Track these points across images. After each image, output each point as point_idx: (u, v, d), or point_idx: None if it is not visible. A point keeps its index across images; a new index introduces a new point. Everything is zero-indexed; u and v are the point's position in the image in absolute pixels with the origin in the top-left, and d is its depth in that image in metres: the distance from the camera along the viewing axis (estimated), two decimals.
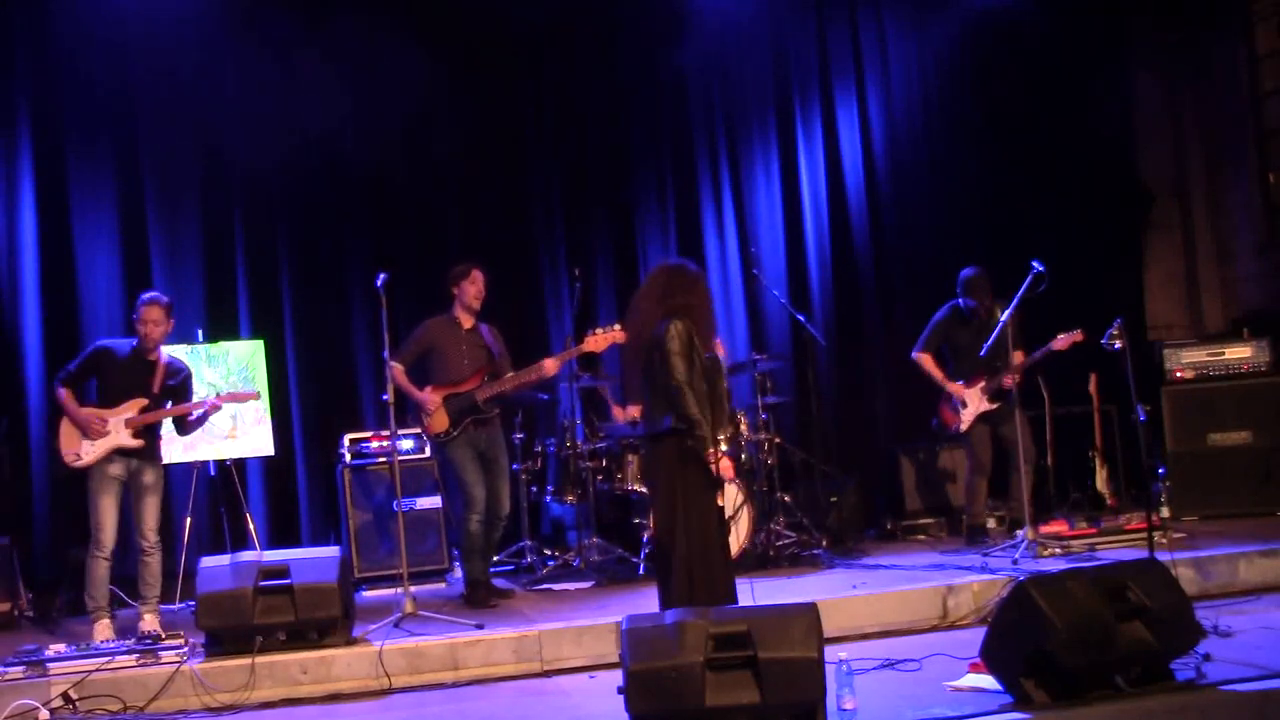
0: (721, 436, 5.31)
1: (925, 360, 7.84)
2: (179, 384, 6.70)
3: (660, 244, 9.37)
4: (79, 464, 6.41)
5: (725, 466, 5.24)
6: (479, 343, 7.19)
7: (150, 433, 6.57)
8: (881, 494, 9.11)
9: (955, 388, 7.68)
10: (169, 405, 6.62)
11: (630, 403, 7.84)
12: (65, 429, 6.48)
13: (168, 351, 6.73)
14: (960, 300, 7.78)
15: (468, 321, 7.18)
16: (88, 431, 6.40)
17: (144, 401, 6.50)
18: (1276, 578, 6.66)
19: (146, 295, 6.68)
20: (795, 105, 9.66)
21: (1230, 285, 10.15)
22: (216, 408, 6.73)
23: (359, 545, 7.85)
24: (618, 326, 7.07)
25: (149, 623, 6.46)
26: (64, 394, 6.50)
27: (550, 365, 7.10)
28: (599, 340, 6.98)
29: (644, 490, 7.59)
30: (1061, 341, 7.42)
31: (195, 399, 6.76)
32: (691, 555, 5.21)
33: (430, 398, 6.99)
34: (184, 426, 6.77)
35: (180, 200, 8.51)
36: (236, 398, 6.92)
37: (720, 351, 7.76)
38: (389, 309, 6.57)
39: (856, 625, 6.22)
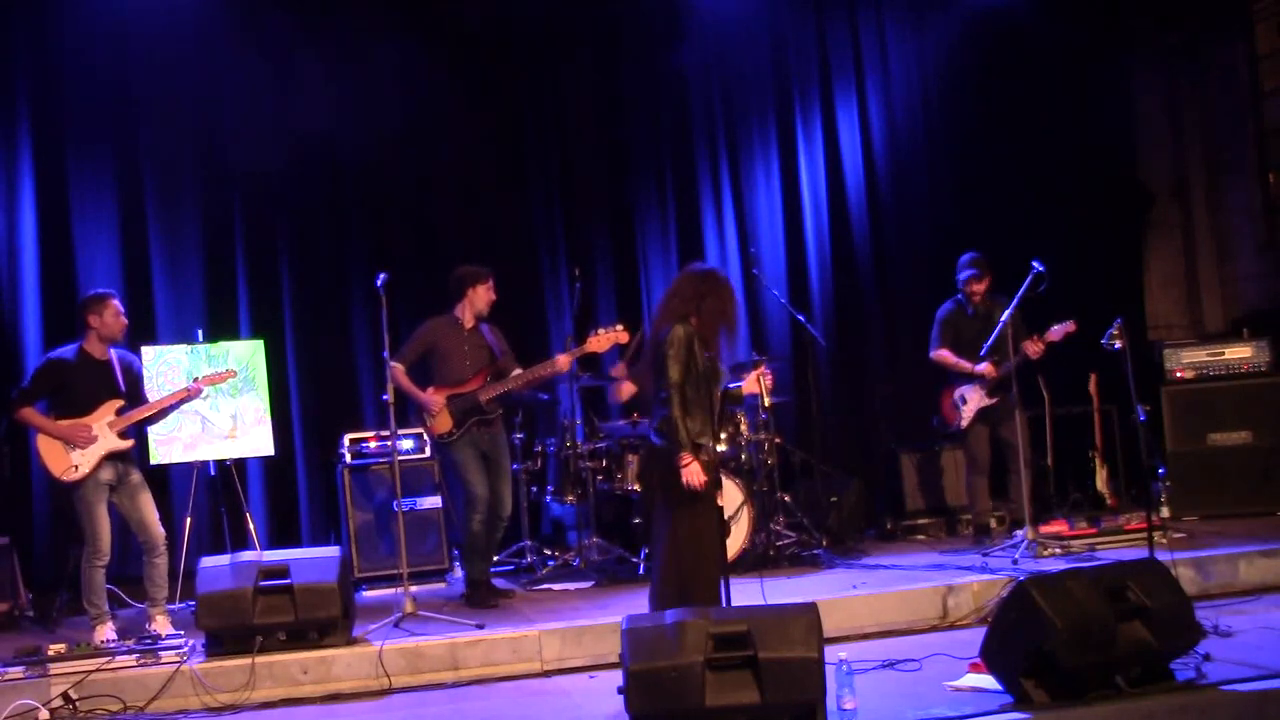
0: (704, 443, 5.24)
1: (944, 356, 7.84)
2: (137, 376, 6.64)
3: (660, 244, 9.37)
4: (78, 476, 6.27)
5: (691, 473, 5.11)
6: (481, 343, 7.19)
7: (135, 431, 6.53)
8: (881, 494, 9.11)
9: (984, 367, 7.64)
10: (145, 400, 6.56)
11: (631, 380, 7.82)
12: (47, 447, 6.30)
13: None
14: (959, 282, 7.77)
15: (469, 321, 7.17)
16: (75, 442, 6.28)
17: (119, 402, 6.41)
18: (1276, 578, 6.66)
19: (101, 290, 6.61)
20: (795, 105, 9.65)
21: (1230, 285, 10.15)
22: (199, 391, 6.66)
23: (359, 545, 7.85)
24: (620, 326, 7.08)
25: (160, 624, 6.42)
26: (31, 413, 6.33)
27: (563, 361, 7.09)
28: (602, 340, 7.00)
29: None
30: (1055, 333, 7.41)
31: (173, 387, 6.72)
32: (682, 560, 5.18)
33: (433, 399, 6.98)
34: (156, 417, 6.70)
35: (180, 200, 8.50)
36: (214, 379, 6.78)
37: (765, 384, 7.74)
38: (389, 309, 6.58)
39: (856, 625, 6.22)
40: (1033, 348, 7.39)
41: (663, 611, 4.65)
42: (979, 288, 7.71)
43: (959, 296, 7.84)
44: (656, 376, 5.30)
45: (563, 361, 7.09)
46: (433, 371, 7.12)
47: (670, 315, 5.35)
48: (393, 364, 6.87)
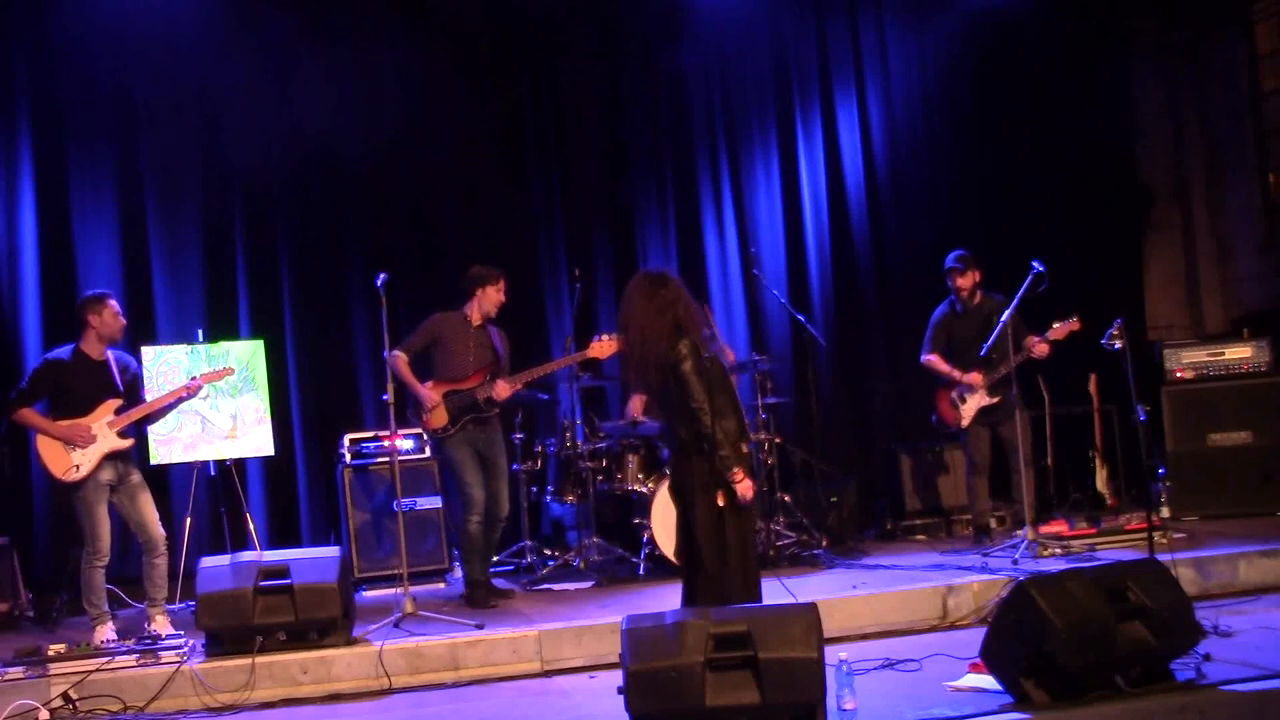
0: (746, 448, 5.21)
1: (935, 361, 7.82)
2: (135, 378, 6.65)
3: (660, 244, 9.37)
4: (78, 476, 6.27)
5: (747, 488, 5.11)
6: (486, 342, 7.19)
7: (135, 431, 6.54)
8: (881, 494, 9.12)
9: (971, 377, 7.62)
10: (143, 399, 6.57)
11: (635, 393, 7.84)
12: (47, 448, 6.30)
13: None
14: (949, 289, 7.78)
15: (477, 320, 7.18)
16: (74, 442, 6.28)
17: (117, 401, 6.42)
18: (1276, 578, 6.66)
19: (100, 290, 6.62)
20: (795, 105, 9.65)
21: (1230, 285, 10.15)
22: (197, 389, 6.67)
23: (359, 545, 7.84)
24: None
25: (160, 625, 6.43)
26: (29, 414, 6.33)
27: (502, 389, 7.01)
28: (604, 347, 6.98)
29: (644, 490, 7.60)
30: (1058, 330, 7.39)
31: (172, 387, 6.73)
32: (727, 574, 5.13)
33: (431, 394, 6.98)
34: (155, 416, 6.72)
35: (180, 200, 8.51)
36: (212, 377, 6.79)
37: (730, 358, 7.85)
38: (389, 309, 6.58)
39: (856, 625, 6.22)
40: (1039, 347, 7.37)
41: (662, 612, 4.65)
42: (963, 282, 7.68)
43: (951, 298, 7.84)
44: (674, 396, 5.17)
45: (502, 389, 7.01)
46: (434, 364, 7.12)
47: (660, 331, 5.17)
48: (395, 352, 6.89)
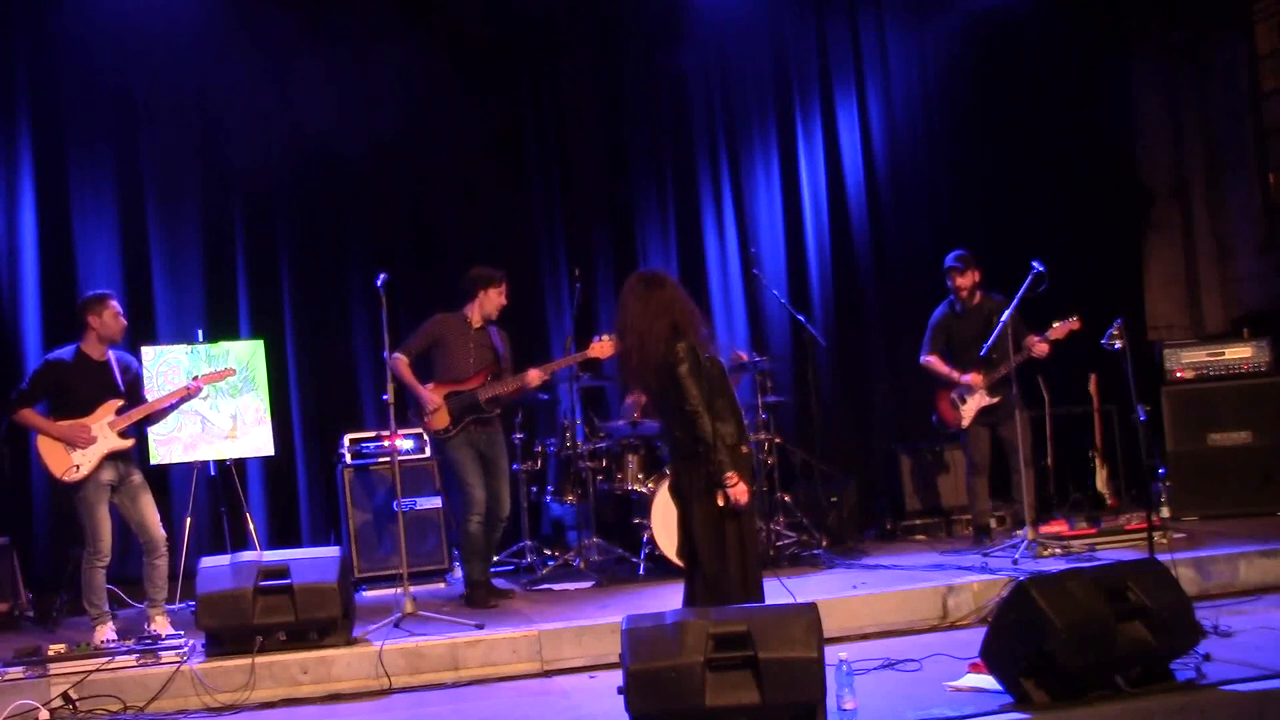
0: (745, 450, 5.19)
1: (933, 363, 7.82)
2: (136, 378, 6.65)
3: (660, 244, 9.37)
4: (79, 476, 6.26)
5: (740, 492, 5.07)
6: (486, 343, 7.19)
7: (136, 431, 6.54)
8: (881, 494, 9.12)
9: (970, 377, 7.62)
10: (144, 400, 6.57)
11: (632, 392, 7.86)
12: (47, 448, 6.30)
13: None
14: (949, 289, 7.77)
15: (478, 322, 7.18)
16: (75, 443, 6.27)
17: (118, 402, 6.42)
18: (1276, 578, 6.66)
19: (100, 291, 6.61)
20: (795, 105, 9.66)
21: (1230, 285, 10.15)
22: (198, 390, 6.68)
23: (359, 545, 7.84)
24: None
25: (159, 625, 6.43)
26: (30, 414, 6.33)
27: (534, 377, 7.10)
28: (604, 347, 6.99)
29: (644, 490, 7.60)
30: (1059, 330, 7.39)
31: (172, 387, 6.73)
32: (726, 574, 5.10)
33: (432, 396, 6.99)
34: (156, 417, 6.73)
35: (180, 200, 8.51)
36: (212, 378, 6.82)
37: (743, 357, 7.85)
38: (389, 309, 6.58)
39: (856, 625, 6.22)
40: (1039, 346, 7.38)
41: (662, 612, 4.64)
42: (962, 281, 7.68)
43: (951, 298, 7.84)
44: (671, 398, 5.15)
45: (533, 376, 7.09)
46: (435, 365, 7.12)
47: (658, 333, 5.15)
48: (396, 355, 6.90)
